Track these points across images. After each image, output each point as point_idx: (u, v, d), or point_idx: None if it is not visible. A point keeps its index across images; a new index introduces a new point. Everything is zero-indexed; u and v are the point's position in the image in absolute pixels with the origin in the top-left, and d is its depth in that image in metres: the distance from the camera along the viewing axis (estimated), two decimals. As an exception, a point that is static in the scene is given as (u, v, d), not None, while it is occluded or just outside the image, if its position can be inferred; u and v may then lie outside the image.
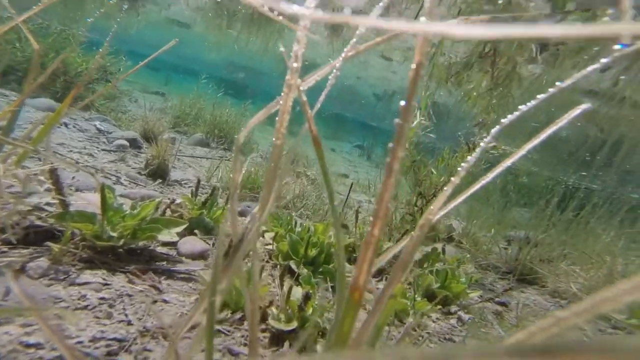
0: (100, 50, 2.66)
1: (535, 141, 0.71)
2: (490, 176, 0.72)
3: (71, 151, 2.75)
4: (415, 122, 3.32)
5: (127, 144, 3.48)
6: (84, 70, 4.91)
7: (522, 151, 0.73)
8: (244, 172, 3.31)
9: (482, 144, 0.74)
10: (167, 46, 1.83)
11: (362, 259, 0.53)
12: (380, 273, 2.21)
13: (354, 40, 0.62)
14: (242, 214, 2.67)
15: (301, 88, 0.62)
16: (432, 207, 0.69)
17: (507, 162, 0.71)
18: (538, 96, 0.68)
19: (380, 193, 0.49)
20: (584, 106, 0.72)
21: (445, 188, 0.70)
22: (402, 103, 0.46)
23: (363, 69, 10.24)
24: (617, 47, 0.45)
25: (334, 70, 0.63)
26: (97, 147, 3.15)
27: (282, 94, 0.60)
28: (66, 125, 3.62)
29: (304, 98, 0.61)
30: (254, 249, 0.70)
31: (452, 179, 0.71)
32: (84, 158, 2.71)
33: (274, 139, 0.62)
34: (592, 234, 3.35)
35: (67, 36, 5.07)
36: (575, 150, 8.51)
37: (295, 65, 0.57)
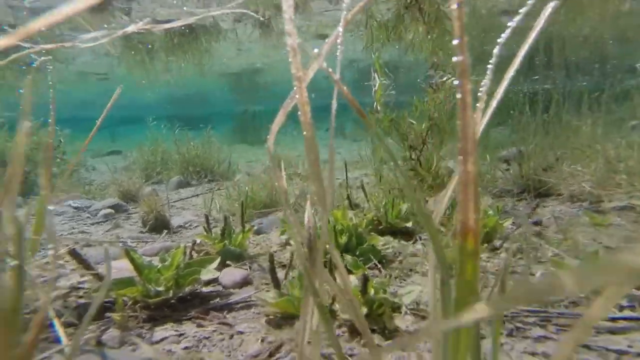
0: (49, 122, 2.48)
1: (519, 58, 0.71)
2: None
3: (61, 235, 2.59)
4: (377, 84, 3.36)
5: (113, 211, 3.33)
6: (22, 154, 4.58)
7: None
8: (236, 196, 3.25)
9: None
10: (114, 97, 1.73)
11: (464, 199, 0.49)
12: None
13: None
14: (258, 232, 2.63)
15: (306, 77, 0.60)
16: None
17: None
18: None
19: (462, 129, 0.48)
20: (552, 3, 0.75)
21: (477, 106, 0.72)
22: (455, 41, 0.46)
23: (302, 55, 10.21)
24: None
25: (339, 48, 0.62)
26: (85, 224, 2.99)
27: (295, 87, 0.58)
28: (40, 216, 3.41)
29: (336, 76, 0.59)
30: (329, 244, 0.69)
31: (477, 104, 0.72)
32: (79, 237, 2.57)
33: (303, 133, 0.61)
34: (571, 129, 3.54)
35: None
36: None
37: (297, 58, 0.55)
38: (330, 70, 0.62)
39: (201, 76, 11.42)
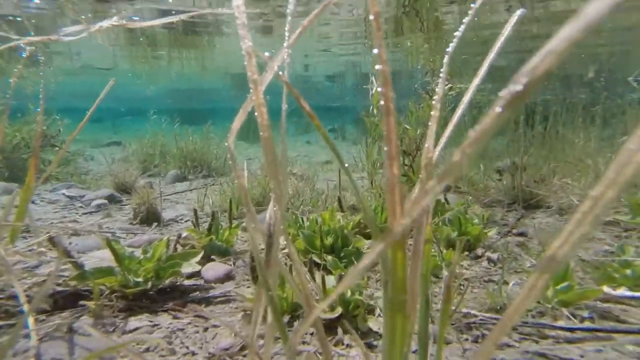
0: (38, 111, 2.47)
1: (491, 56, 0.74)
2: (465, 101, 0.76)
3: (52, 224, 2.61)
4: (374, 89, 3.38)
5: (106, 201, 3.35)
6: (21, 141, 4.60)
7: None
8: (230, 192, 3.27)
9: (441, 75, 0.78)
10: (106, 89, 1.75)
11: (391, 202, 0.51)
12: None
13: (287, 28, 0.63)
14: (245, 229, 2.65)
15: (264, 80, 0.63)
16: (426, 145, 0.73)
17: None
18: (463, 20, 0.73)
19: (386, 134, 0.50)
20: (519, 12, 0.78)
21: (429, 123, 0.75)
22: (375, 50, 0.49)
23: (306, 57, 10.25)
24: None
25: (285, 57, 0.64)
26: (77, 213, 3.01)
27: (251, 90, 0.60)
28: (33, 201, 3.43)
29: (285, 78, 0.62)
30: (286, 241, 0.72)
31: (432, 112, 0.75)
32: (68, 226, 2.59)
33: (261, 133, 0.63)
34: (566, 142, 3.56)
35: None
36: (519, 68, 8.98)
37: (252, 61, 0.57)
38: (281, 74, 0.65)
39: (204, 72, 11.46)
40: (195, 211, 2.24)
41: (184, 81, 14.76)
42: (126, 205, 3.35)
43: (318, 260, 1.93)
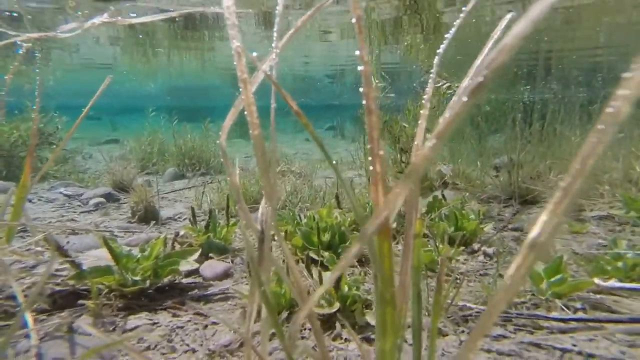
0: (34, 108, 2.44)
1: (481, 59, 0.75)
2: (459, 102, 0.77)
3: (50, 222, 2.61)
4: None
5: (104, 200, 3.35)
6: (19, 139, 4.57)
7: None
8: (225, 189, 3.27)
9: (431, 76, 0.79)
10: (103, 86, 1.74)
11: (375, 197, 0.53)
12: (395, 236, 2.27)
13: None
14: (245, 226, 2.66)
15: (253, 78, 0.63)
16: (415, 142, 0.74)
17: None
18: (455, 22, 0.74)
19: (369, 133, 0.52)
20: (509, 15, 0.79)
21: (419, 121, 0.76)
22: (357, 52, 0.50)
23: (308, 55, 10.22)
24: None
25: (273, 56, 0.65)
26: (75, 212, 3.01)
27: (241, 89, 0.60)
28: (30, 200, 3.43)
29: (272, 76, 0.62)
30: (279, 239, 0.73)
31: (422, 111, 0.76)
32: (66, 225, 2.59)
33: (250, 131, 0.64)
34: (563, 139, 3.58)
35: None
36: (519, 67, 9.01)
37: (241, 61, 0.58)
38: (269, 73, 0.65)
39: (203, 69, 11.41)
40: (192, 209, 2.25)
41: (183, 78, 14.72)
42: (124, 203, 3.35)
43: (315, 257, 1.94)
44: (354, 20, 0.42)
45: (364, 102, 0.45)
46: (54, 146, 5.28)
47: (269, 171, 0.59)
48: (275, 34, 0.64)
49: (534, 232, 0.35)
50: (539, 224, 0.35)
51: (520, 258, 0.37)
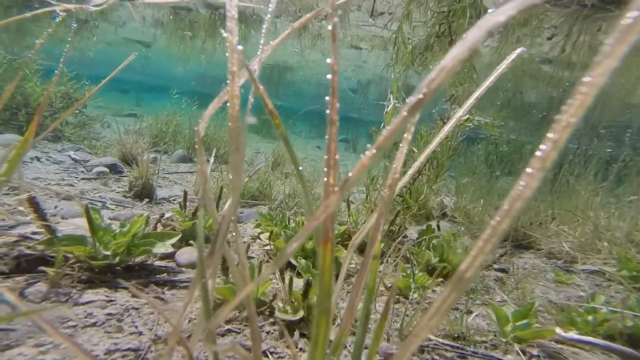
0: (55, 72, 2.55)
1: (480, 90, 0.74)
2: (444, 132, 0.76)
3: (49, 184, 2.68)
4: (390, 106, 3.37)
5: (107, 170, 3.42)
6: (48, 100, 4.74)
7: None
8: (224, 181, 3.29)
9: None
10: (126, 61, 1.79)
11: (324, 209, 0.52)
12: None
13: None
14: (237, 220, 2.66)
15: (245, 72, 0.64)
16: (394, 166, 0.73)
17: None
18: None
19: (327, 144, 0.52)
20: (519, 50, 0.77)
21: (400, 145, 0.75)
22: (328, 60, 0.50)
23: (337, 62, 10.33)
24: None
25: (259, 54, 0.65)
26: (76, 177, 3.08)
27: (228, 81, 0.61)
28: (39, 159, 3.53)
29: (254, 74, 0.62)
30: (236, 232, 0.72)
31: (405, 134, 0.75)
32: (64, 189, 2.65)
33: (229, 124, 0.64)
34: (574, 192, 3.48)
35: (19, 65, 4.88)
36: (544, 112, 8.85)
37: (235, 55, 0.58)
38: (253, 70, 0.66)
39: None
40: (185, 193, 2.27)
41: (211, 67, 15.02)
42: (125, 177, 3.41)
43: (294, 262, 1.93)
44: (329, 27, 0.43)
45: (327, 111, 0.46)
46: (77, 111, 5.45)
47: (239, 165, 0.59)
48: (262, 35, 0.64)
49: (463, 266, 0.36)
50: (467, 259, 0.35)
51: (447, 292, 0.37)
